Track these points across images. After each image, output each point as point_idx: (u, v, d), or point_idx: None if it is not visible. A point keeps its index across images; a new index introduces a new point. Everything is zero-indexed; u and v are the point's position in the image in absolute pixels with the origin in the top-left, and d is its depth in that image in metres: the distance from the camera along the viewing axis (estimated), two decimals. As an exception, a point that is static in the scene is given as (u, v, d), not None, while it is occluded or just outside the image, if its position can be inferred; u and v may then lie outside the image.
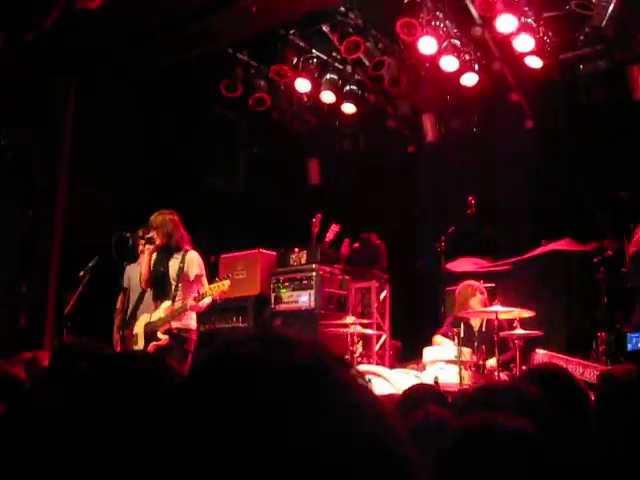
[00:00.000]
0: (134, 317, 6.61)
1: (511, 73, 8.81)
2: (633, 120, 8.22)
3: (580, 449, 2.19)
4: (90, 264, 6.80)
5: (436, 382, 5.86)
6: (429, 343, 7.12)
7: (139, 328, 6.44)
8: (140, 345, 6.32)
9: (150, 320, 6.39)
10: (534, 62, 8.23)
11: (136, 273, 6.70)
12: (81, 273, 6.80)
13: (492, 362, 6.36)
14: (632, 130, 8.20)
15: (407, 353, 8.44)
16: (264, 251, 8.72)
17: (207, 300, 6.44)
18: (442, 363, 6.43)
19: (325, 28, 8.45)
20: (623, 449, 2.18)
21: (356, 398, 0.76)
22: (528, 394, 2.07)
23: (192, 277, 6.42)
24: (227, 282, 6.34)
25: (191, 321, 6.47)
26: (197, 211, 9.82)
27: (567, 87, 8.73)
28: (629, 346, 6.07)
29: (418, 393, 3.40)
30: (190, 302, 6.27)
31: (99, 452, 1.21)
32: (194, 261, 6.50)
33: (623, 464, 2.15)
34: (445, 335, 7.07)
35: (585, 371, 6.02)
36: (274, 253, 8.73)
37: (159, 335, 6.29)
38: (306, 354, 0.78)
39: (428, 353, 6.73)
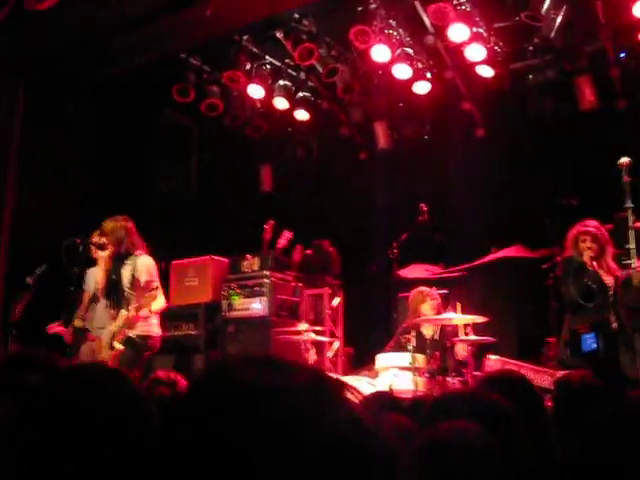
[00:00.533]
0: (83, 319, 6.67)
1: (463, 82, 8.92)
2: (581, 130, 8.39)
3: (540, 457, 2.19)
4: (38, 270, 6.66)
5: (391, 389, 5.86)
6: (382, 350, 7.13)
7: (103, 337, 6.34)
8: (105, 355, 6.22)
9: (111, 329, 6.31)
10: (485, 71, 8.34)
11: (94, 277, 6.69)
12: (28, 280, 6.63)
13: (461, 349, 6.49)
14: (580, 139, 8.36)
15: (360, 360, 8.43)
16: (216, 257, 8.64)
17: (158, 306, 6.40)
18: (395, 369, 6.44)
19: (279, 34, 8.42)
20: (580, 458, 2.20)
21: (353, 416, 0.76)
22: (491, 402, 2.07)
23: (142, 283, 6.33)
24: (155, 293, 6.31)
25: (151, 327, 6.40)
26: (148, 217, 9.69)
27: (517, 96, 8.86)
28: (583, 347, 6.15)
29: (377, 401, 3.38)
30: (131, 312, 6.20)
31: (54, 465, 1.17)
32: (144, 267, 6.45)
33: (580, 473, 2.16)
34: (396, 346, 7.09)
35: (537, 377, 6.08)
36: (226, 260, 8.65)
37: (115, 344, 6.20)
38: (305, 377, 0.78)
39: (381, 359, 6.73)
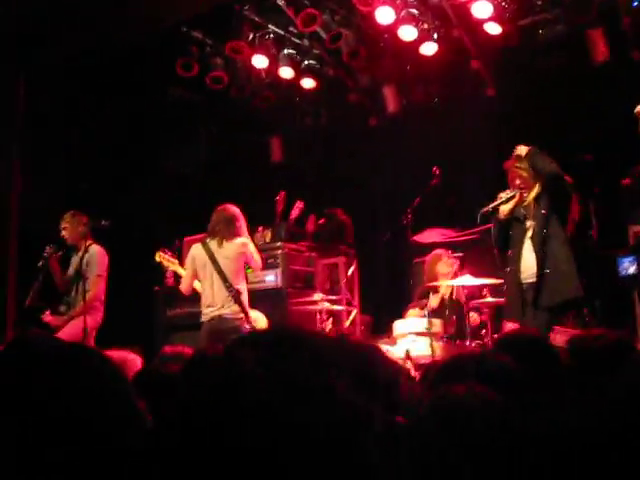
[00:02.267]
0: (67, 303, 6.89)
1: (470, 41, 8.72)
2: (594, 83, 8.20)
3: (553, 424, 2.11)
4: (45, 253, 6.70)
5: (407, 355, 5.81)
6: (399, 316, 7.09)
7: None
8: None
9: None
10: (493, 28, 8.15)
11: (72, 261, 6.95)
12: (40, 263, 6.66)
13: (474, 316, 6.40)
14: (593, 94, 8.18)
15: (378, 327, 8.39)
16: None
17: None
18: (413, 336, 6.39)
19: (280, 2, 8.27)
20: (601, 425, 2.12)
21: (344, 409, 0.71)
22: (496, 363, 2.01)
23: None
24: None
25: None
26: (158, 194, 9.66)
27: (527, 53, 8.66)
28: (621, 271, 5.99)
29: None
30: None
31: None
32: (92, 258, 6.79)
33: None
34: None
35: (553, 335, 6.00)
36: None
37: None
38: (303, 364, 0.74)
39: (398, 326, 6.69)
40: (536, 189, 5.95)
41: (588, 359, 2.59)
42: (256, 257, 6.55)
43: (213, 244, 6.40)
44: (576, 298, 5.79)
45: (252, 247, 6.57)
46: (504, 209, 6.00)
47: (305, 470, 0.66)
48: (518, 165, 6.01)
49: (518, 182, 6.02)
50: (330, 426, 0.69)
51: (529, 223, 5.93)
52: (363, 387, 0.74)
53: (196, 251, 6.48)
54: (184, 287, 6.59)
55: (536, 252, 5.77)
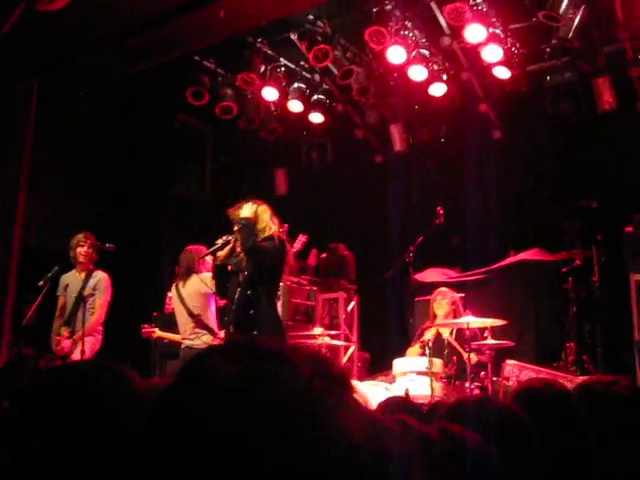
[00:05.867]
0: (68, 324, 6.80)
1: (479, 84, 8.82)
2: (599, 131, 8.27)
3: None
4: (49, 274, 6.66)
5: (407, 394, 5.75)
6: (398, 355, 7.04)
7: None
8: None
9: None
10: (502, 73, 8.24)
11: (71, 281, 6.91)
12: (40, 283, 6.62)
13: (472, 356, 6.30)
14: (599, 141, 8.24)
15: (376, 365, 8.34)
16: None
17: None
18: (413, 374, 6.33)
19: (293, 36, 8.36)
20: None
21: (342, 428, 0.71)
22: (506, 411, 1.94)
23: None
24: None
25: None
26: (162, 219, 9.67)
27: (535, 98, 8.74)
28: None
29: (391, 406, 3.29)
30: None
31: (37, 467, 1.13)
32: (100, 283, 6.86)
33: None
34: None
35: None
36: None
37: None
38: (300, 375, 0.74)
39: (398, 365, 6.63)
40: None
41: (605, 409, 2.46)
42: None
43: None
44: None
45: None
46: (220, 255, 5.90)
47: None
48: (235, 213, 5.88)
49: (235, 229, 5.87)
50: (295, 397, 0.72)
51: (241, 276, 5.80)
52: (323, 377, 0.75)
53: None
54: None
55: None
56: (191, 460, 0.68)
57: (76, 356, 6.32)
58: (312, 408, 0.70)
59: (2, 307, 7.60)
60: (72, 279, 6.94)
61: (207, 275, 6.79)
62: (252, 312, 5.55)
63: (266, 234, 5.74)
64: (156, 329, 7.24)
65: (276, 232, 5.81)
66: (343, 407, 0.72)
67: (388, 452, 0.73)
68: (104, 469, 1.11)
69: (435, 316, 7.20)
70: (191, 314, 6.76)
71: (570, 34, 7.79)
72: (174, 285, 7.09)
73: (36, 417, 1.19)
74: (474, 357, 6.53)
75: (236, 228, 5.81)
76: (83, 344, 6.36)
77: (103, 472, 1.11)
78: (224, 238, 5.85)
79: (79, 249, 6.82)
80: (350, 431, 0.70)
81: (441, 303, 7.15)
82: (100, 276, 6.83)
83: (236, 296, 5.71)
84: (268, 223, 5.80)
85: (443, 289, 7.29)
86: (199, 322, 6.74)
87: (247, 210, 5.79)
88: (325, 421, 0.70)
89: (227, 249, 5.86)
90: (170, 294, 7.44)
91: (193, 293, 6.82)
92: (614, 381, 2.47)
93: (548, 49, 8.42)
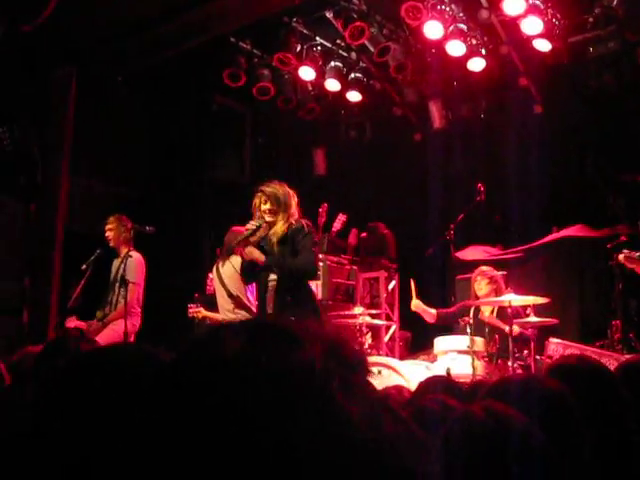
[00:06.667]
0: (103, 307, 6.91)
1: (519, 57, 8.64)
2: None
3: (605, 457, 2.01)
4: (92, 257, 6.75)
5: (448, 373, 5.72)
6: (439, 334, 6.99)
7: None
8: None
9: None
10: (543, 45, 8.05)
11: (114, 265, 6.99)
12: (83, 266, 6.73)
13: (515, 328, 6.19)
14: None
15: (417, 344, 8.31)
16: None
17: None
18: (454, 353, 6.29)
19: (329, 14, 8.28)
20: None
21: (345, 416, 0.70)
22: (549, 389, 1.89)
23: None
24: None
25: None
26: (202, 202, 9.73)
27: (577, 71, 8.54)
28: None
29: (432, 385, 3.26)
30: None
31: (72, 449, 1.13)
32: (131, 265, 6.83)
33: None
34: (445, 317, 6.98)
35: (601, 360, 5.87)
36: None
37: None
38: (302, 357, 0.72)
39: (440, 343, 6.59)
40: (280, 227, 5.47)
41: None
42: None
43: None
44: None
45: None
46: (252, 239, 5.51)
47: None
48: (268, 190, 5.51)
49: (266, 207, 5.48)
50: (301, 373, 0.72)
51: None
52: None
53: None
54: None
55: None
56: (186, 426, 0.70)
57: (103, 340, 6.33)
58: (310, 386, 0.70)
59: (48, 290, 7.77)
60: (115, 263, 7.04)
61: None
62: (289, 299, 5.46)
63: (295, 218, 5.62)
64: (201, 309, 7.28)
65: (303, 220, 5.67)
66: (347, 388, 0.71)
67: (388, 438, 0.71)
68: (137, 452, 1.11)
69: (477, 296, 7.12)
70: (230, 295, 6.79)
71: (615, 2, 7.59)
72: (215, 266, 7.13)
73: (69, 399, 1.20)
74: (517, 328, 6.41)
75: (267, 207, 5.51)
76: (125, 326, 6.44)
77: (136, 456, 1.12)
78: (252, 223, 5.52)
79: (106, 231, 6.90)
80: (348, 413, 0.69)
81: (481, 284, 7.03)
82: (132, 258, 6.81)
83: (270, 280, 5.53)
84: (296, 209, 5.69)
85: (484, 268, 7.17)
86: (238, 303, 6.76)
87: (280, 191, 5.65)
88: (321, 400, 0.69)
89: (258, 234, 5.55)
90: (211, 275, 7.49)
91: (232, 274, 6.85)
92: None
93: (591, 19, 8.18)
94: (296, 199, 5.69)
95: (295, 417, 0.67)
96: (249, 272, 5.64)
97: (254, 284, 6.62)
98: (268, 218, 5.48)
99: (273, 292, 5.45)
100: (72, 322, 6.84)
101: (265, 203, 5.50)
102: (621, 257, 6.07)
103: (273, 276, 5.48)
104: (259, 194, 5.55)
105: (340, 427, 0.68)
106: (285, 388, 0.69)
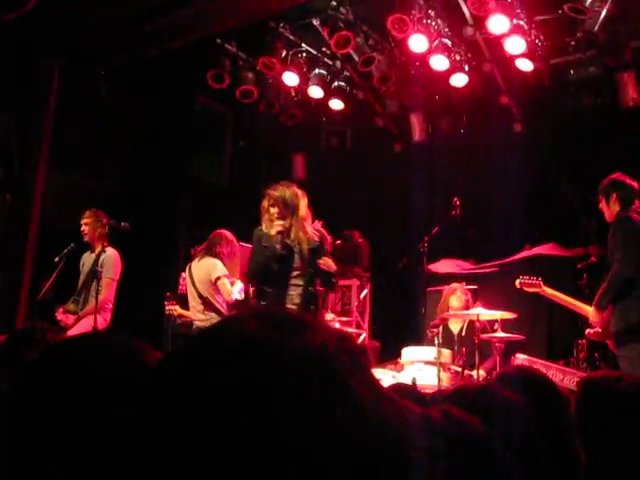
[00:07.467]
0: (77, 301, 6.93)
1: (501, 76, 8.75)
2: (621, 127, 8.18)
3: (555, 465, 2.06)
4: (66, 250, 6.72)
5: (414, 383, 5.76)
6: (408, 343, 7.04)
7: None
8: None
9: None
10: (525, 65, 8.15)
11: (86, 259, 7.00)
12: (56, 259, 6.69)
13: (481, 372, 6.29)
14: (620, 137, 8.15)
15: (386, 353, 8.34)
16: (245, 245, 8.58)
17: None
18: (421, 364, 6.34)
19: (315, 22, 8.32)
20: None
21: (355, 399, 0.72)
22: (503, 398, 1.94)
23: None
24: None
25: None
26: (179, 203, 9.71)
27: (557, 92, 8.66)
28: None
29: (396, 392, 3.30)
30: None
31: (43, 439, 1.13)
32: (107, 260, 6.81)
33: None
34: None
35: (565, 377, 5.95)
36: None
37: None
38: (314, 342, 0.74)
39: (407, 353, 6.65)
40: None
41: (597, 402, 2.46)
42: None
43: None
44: None
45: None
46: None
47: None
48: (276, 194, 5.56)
49: (274, 210, 5.56)
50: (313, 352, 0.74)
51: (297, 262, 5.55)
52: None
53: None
54: None
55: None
56: (193, 410, 0.70)
57: (74, 332, 6.32)
58: (325, 370, 0.72)
59: (20, 283, 7.70)
60: (87, 257, 7.00)
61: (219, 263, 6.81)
62: (312, 307, 5.47)
63: (315, 227, 5.67)
64: (177, 307, 7.26)
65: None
66: (354, 374, 0.74)
67: (404, 431, 0.75)
68: (114, 443, 1.12)
69: (448, 308, 7.19)
70: (200, 296, 6.79)
71: (596, 27, 7.70)
72: (188, 266, 7.12)
73: (44, 391, 1.20)
74: (483, 373, 6.49)
75: (276, 211, 5.51)
76: (95, 321, 6.41)
77: (113, 446, 1.12)
78: (278, 224, 5.50)
79: (82, 225, 6.87)
80: (360, 395, 0.72)
81: (461, 297, 7.13)
82: (107, 253, 6.79)
83: (292, 282, 5.51)
84: (307, 210, 5.72)
85: (455, 285, 7.28)
86: (208, 304, 6.74)
87: (287, 193, 5.58)
88: (338, 386, 0.71)
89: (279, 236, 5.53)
90: (184, 275, 7.48)
91: (202, 276, 6.83)
92: (619, 377, 2.43)
93: (573, 42, 8.31)
94: (306, 200, 5.67)
95: (313, 398, 0.69)
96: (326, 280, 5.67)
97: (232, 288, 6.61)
98: (277, 222, 5.46)
99: (298, 298, 5.44)
100: (59, 315, 6.81)
101: (273, 207, 5.50)
102: (517, 283, 6.16)
103: (299, 282, 5.45)
104: (267, 197, 5.53)
105: (354, 409, 0.70)
106: (297, 372, 0.70)
